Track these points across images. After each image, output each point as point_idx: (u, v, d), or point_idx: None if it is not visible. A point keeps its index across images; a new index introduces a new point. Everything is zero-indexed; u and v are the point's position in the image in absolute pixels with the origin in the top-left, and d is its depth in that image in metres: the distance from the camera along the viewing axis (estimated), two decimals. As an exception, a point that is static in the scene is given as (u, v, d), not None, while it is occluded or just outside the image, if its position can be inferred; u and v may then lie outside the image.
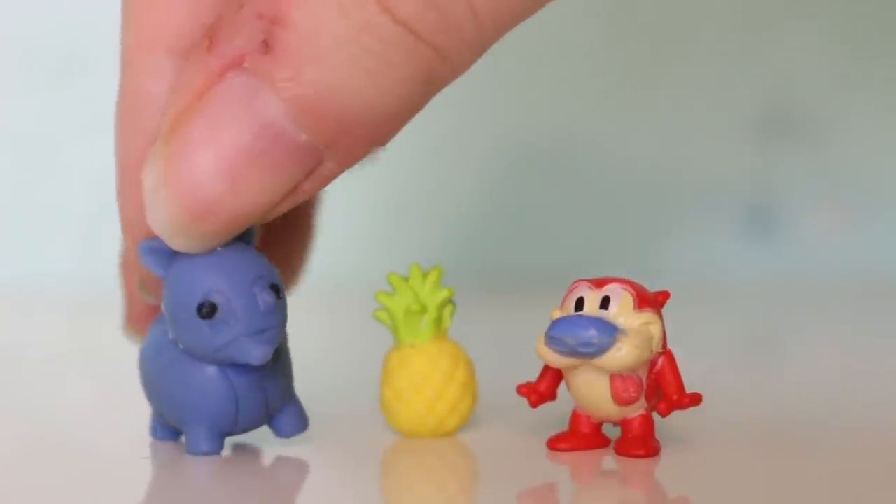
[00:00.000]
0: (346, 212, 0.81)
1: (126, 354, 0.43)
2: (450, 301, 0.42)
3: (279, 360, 0.40)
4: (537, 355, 0.39)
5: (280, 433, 0.40)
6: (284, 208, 0.37)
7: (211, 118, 0.36)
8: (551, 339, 0.38)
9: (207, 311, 0.37)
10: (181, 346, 0.39)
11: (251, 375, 0.39)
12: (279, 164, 0.36)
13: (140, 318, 0.43)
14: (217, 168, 0.36)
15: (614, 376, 0.38)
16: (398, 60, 0.35)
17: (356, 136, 0.36)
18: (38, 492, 0.37)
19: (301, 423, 0.40)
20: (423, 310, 0.41)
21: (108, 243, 0.81)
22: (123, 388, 0.46)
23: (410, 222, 0.82)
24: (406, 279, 0.42)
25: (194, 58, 0.36)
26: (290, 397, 0.40)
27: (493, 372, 0.44)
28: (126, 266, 0.44)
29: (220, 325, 0.37)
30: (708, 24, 0.83)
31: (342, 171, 0.37)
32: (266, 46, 0.35)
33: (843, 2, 0.83)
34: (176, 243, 0.37)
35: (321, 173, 0.36)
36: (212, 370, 0.38)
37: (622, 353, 0.38)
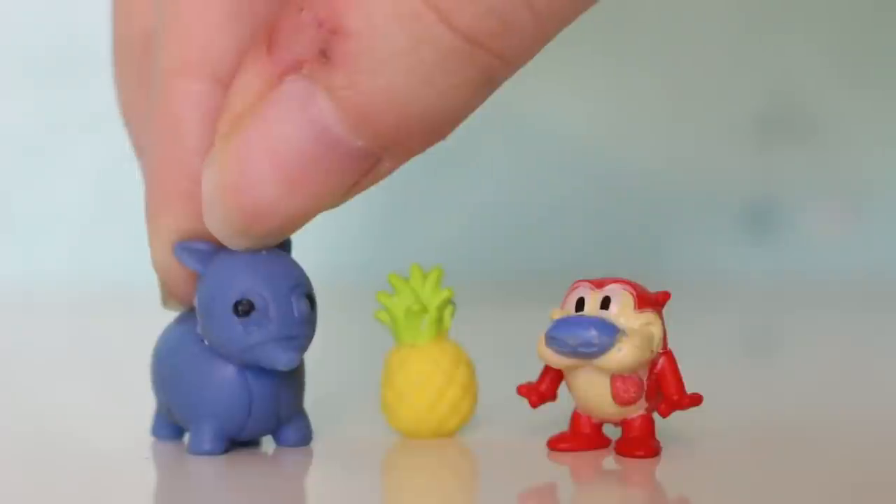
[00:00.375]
0: (346, 212, 0.81)
1: (126, 354, 0.43)
2: (450, 301, 0.42)
3: (296, 372, 0.40)
4: (538, 356, 0.39)
5: (284, 444, 0.40)
6: (340, 204, 0.37)
7: (268, 122, 0.36)
8: (552, 339, 0.38)
9: (244, 308, 0.38)
10: (207, 342, 0.39)
11: (269, 382, 0.39)
12: (335, 168, 0.36)
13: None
14: (274, 172, 0.36)
15: (615, 377, 0.38)
16: (457, 69, 0.35)
17: (414, 139, 0.36)
18: (37, 491, 0.37)
19: (305, 436, 0.40)
20: (424, 310, 0.41)
21: (108, 243, 0.81)
22: (123, 388, 0.46)
23: (410, 222, 0.82)
24: (406, 279, 0.42)
25: (252, 60, 0.36)
26: (300, 409, 0.40)
27: (493, 372, 0.44)
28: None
29: (253, 325, 0.38)
30: (708, 23, 0.83)
31: (400, 165, 0.37)
32: (324, 55, 0.35)
33: (843, 2, 0.83)
34: (233, 243, 0.38)
35: (378, 171, 0.37)
36: (231, 371, 0.39)
37: (623, 354, 0.38)
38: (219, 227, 0.37)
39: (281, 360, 0.38)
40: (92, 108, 0.77)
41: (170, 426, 0.41)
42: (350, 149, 0.36)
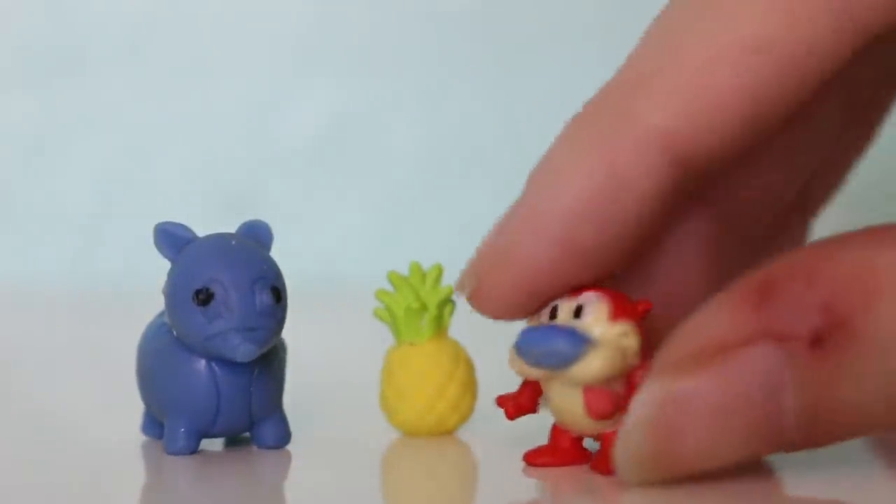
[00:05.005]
0: (346, 212, 0.81)
1: (126, 354, 0.43)
2: (450, 299, 0.42)
3: (271, 368, 0.39)
4: (509, 366, 0.37)
5: (259, 443, 0.40)
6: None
7: (721, 380, 0.33)
8: (517, 348, 0.37)
9: (204, 297, 0.38)
10: (175, 333, 0.39)
11: (238, 376, 0.39)
12: (756, 438, 0.33)
13: None
14: (702, 422, 0.33)
15: (587, 389, 0.36)
16: None
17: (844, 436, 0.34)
18: (36, 491, 0.37)
19: (282, 436, 0.40)
20: (424, 308, 0.41)
21: (108, 243, 0.81)
22: (122, 388, 0.46)
23: (410, 222, 0.82)
24: (406, 277, 0.42)
25: (730, 301, 0.34)
26: (276, 408, 0.40)
27: (493, 371, 0.44)
28: None
29: (213, 315, 0.38)
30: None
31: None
32: (816, 344, 0.32)
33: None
34: (630, 477, 0.35)
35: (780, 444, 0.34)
36: (200, 363, 0.38)
37: (592, 366, 0.36)
38: (625, 460, 0.35)
39: (240, 350, 0.37)
40: (92, 108, 0.77)
41: (159, 424, 0.41)
42: (779, 435, 0.33)
